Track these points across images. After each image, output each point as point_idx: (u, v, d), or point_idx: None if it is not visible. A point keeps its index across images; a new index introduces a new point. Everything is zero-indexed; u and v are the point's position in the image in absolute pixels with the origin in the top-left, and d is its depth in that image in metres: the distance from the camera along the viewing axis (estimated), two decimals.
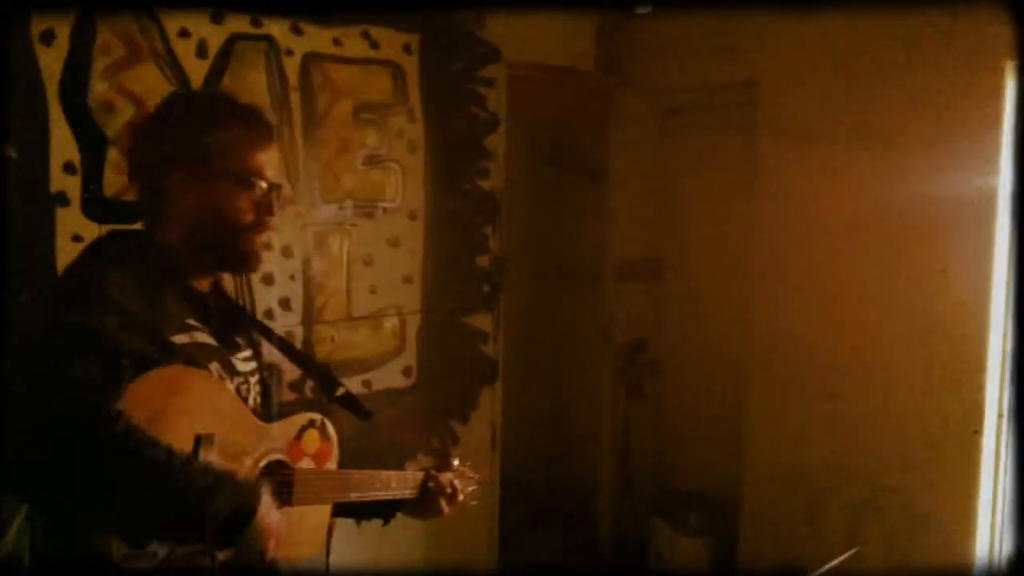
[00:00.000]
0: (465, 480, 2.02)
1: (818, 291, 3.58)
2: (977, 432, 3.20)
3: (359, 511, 1.89)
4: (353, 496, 1.77)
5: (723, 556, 3.88)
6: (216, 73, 2.76)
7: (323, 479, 1.71)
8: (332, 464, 1.74)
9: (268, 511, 1.43)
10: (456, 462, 2.02)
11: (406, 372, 3.26)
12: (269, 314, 2.90)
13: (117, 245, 1.60)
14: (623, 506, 4.30)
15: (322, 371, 1.95)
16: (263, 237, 1.63)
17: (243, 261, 1.64)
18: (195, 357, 1.53)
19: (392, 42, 3.18)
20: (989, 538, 3.31)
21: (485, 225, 3.48)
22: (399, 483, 1.88)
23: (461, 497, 1.97)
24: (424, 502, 1.92)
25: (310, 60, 2.99)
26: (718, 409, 4.06)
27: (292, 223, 2.95)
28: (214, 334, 1.61)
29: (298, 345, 2.95)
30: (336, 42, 3.05)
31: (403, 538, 3.25)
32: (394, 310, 3.22)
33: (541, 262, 4.84)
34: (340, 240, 3.07)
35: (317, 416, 1.73)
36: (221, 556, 1.41)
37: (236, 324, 1.71)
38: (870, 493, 3.45)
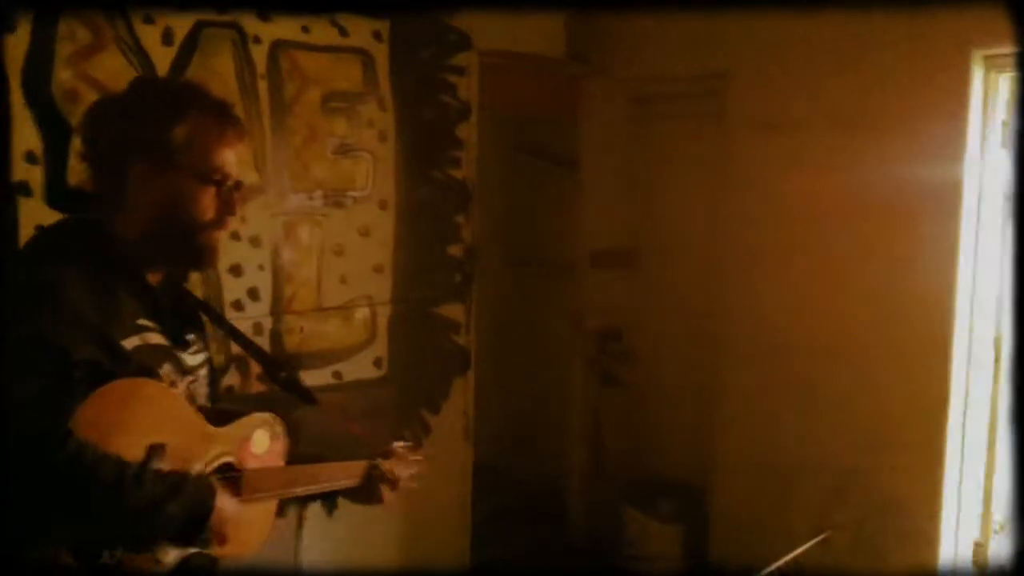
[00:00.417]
0: (405, 464, 2.02)
1: (789, 279, 3.60)
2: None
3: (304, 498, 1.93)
4: (299, 491, 1.79)
5: (694, 543, 3.90)
6: (182, 61, 2.73)
7: (270, 477, 1.72)
8: (281, 462, 1.76)
9: (223, 503, 1.49)
10: (398, 444, 2.04)
11: (377, 363, 3.25)
12: (238, 305, 2.87)
13: (68, 236, 1.57)
14: (596, 494, 4.31)
15: (265, 356, 1.97)
16: (222, 234, 1.61)
17: (200, 258, 1.62)
18: (146, 362, 1.52)
19: (361, 29, 3.15)
20: (955, 521, 3.36)
21: (457, 214, 3.47)
22: (343, 473, 1.89)
23: (401, 483, 1.99)
24: (367, 490, 1.94)
25: (278, 48, 2.97)
26: (691, 397, 4.08)
27: (261, 213, 2.93)
28: (165, 332, 1.59)
29: (266, 336, 2.94)
30: (304, 29, 3.02)
31: (376, 530, 3.25)
32: (365, 300, 3.20)
33: (514, 251, 4.83)
34: (310, 230, 3.05)
35: (268, 416, 1.73)
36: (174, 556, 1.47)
37: (187, 318, 1.70)
38: (839, 479, 3.48)
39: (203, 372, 1.69)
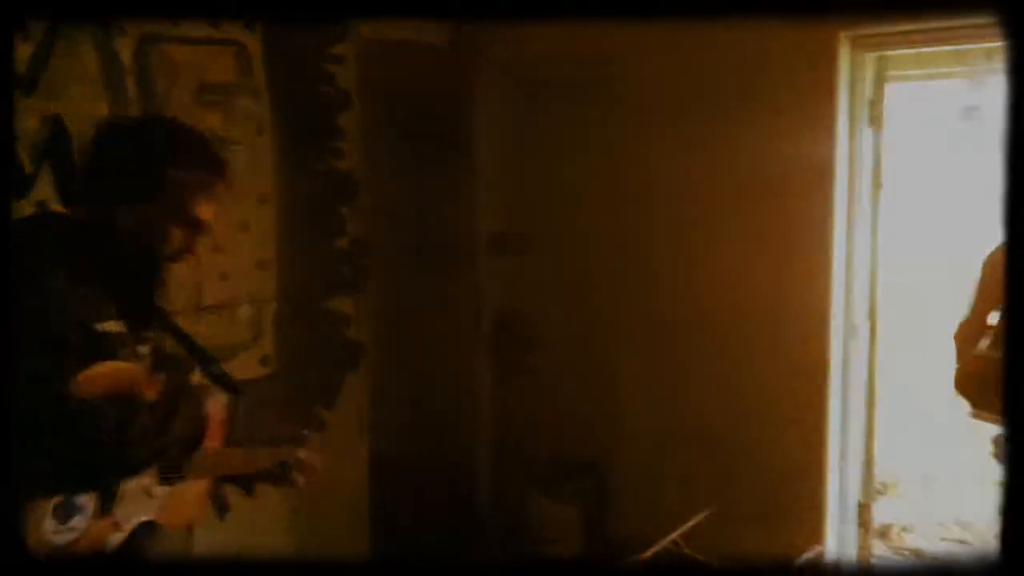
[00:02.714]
0: (318, 453, 2.15)
1: (679, 259, 3.67)
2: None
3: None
4: (226, 471, 2.00)
5: (597, 522, 3.96)
6: (41, 58, 2.60)
7: (212, 457, 1.91)
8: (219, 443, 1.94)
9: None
10: (305, 432, 2.20)
11: (264, 361, 3.19)
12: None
13: (49, 229, 1.75)
14: (501, 480, 4.33)
15: (205, 353, 2.10)
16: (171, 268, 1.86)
17: (150, 286, 1.83)
18: (112, 347, 1.70)
19: (234, 20, 3.07)
20: (839, 485, 3.49)
21: (342, 205, 3.43)
22: (262, 459, 2.06)
23: (316, 472, 2.13)
24: (281, 474, 2.08)
25: (146, 41, 2.86)
26: (592, 378, 4.12)
27: None
28: (127, 325, 1.75)
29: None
30: (173, 22, 2.92)
31: (269, 529, 3.20)
32: (248, 297, 3.14)
33: (408, 240, 4.78)
34: None
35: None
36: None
37: (141, 315, 1.84)
38: (731, 451, 3.57)
39: (148, 363, 1.87)
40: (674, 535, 3.27)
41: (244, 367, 3.13)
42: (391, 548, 3.82)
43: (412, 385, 4.73)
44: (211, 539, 3.03)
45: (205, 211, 1.77)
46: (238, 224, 3.11)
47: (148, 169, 1.72)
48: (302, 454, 2.08)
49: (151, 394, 1.76)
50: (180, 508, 1.84)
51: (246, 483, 2.09)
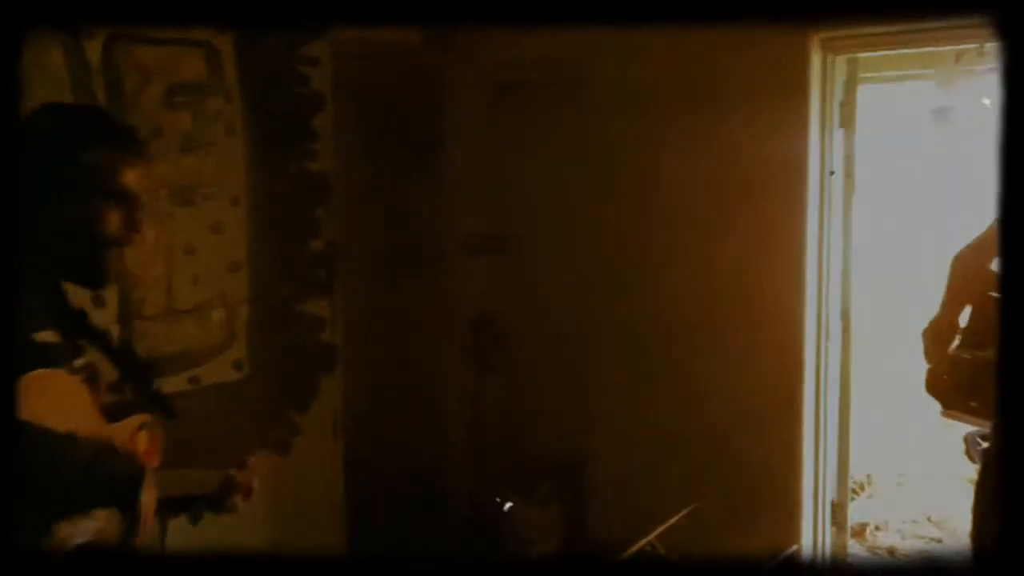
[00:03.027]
0: (258, 474, 2.06)
1: (653, 259, 3.67)
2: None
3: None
4: (163, 494, 1.81)
5: (573, 523, 3.96)
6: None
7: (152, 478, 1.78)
8: (156, 464, 1.81)
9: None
10: (254, 457, 2.07)
11: (237, 365, 3.16)
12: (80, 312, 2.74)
13: None
14: (476, 481, 4.31)
15: (139, 369, 1.97)
16: (121, 252, 1.73)
17: (99, 273, 1.72)
18: (49, 358, 1.61)
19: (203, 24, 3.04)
20: (814, 485, 3.50)
21: (316, 207, 3.40)
22: (196, 480, 1.97)
23: (255, 488, 2.05)
24: (220, 499, 1.99)
25: (114, 41, 2.83)
26: (566, 379, 4.12)
27: None
28: (62, 336, 1.67)
29: (115, 343, 2.82)
30: None
31: (245, 533, 3.17)
32: (220, 300, 3.11)
33: (381, 242, 4.77)
34: (156, 229, 2.93)
35: (148, 417, 1.80)
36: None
37: (75, 327, 1.76)
38: (706, 449, 3.58)
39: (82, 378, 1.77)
40: (651, 536, 3.27)
41: (217, 371, 3.10)
42: (367, 549, 3.79)
43: (387, 387, 4.71)
44: (185, 540, 3.00)
45: (129, 181, 1.68)
46: (210, 226, 3.08)
47: (66, 151, 1.65)
48: (243, 477, 2.00)
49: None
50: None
51: (185, 506, 2.04)
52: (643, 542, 3.29)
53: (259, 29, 3.16)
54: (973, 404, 2.22)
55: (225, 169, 3.11)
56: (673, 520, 3.38)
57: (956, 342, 2.32)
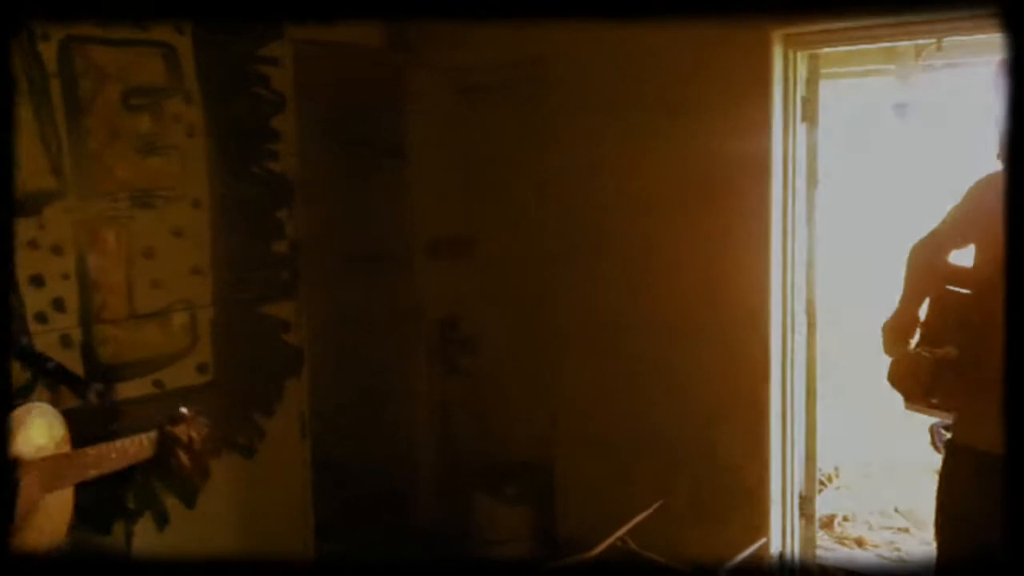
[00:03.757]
0: (196, 427, 2.05)
1: (618, 258, 3.68)
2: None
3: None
4: (93, 473, 1.83)
5: (542, 522, 3.96)
6: None
7: (62, 464, 1.78)
8: (67, 449, 1.82)
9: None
10: (184, 410, 2.06)
11: (201, 368, 3.13)
12: (41, 317, 2.70)
13: None
14: (445, 483, 4.30)
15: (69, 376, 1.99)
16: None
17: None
18: None
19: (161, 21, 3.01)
20: (782, 479, 3.52)
21: (279, 209, 3.37)
22: (134, 447, 1.92)
23: (199, 445, 2.03)
24: (164, 458, 1.98)
25: (70, 43, 2.79)
26: (533, 380, 4.12)
27: (61, 218, 2.76)
28: None
29: (77, 348, 2.79)
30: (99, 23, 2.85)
31: (212, 538, 3.14)
32: (183, 304, 3.07)
33: (347, 244, 4.74)
34: (116, 233, 2.89)
35: (44, 406, 1.81)
36: None
37: None
38: (674, 445, 3.59)
39: None
40: (620, 532, 3.28)
41: (181, 375, 3.07)
42: (335, 552, 3.77)
43: (354, 389, 4.68)
44: (153, 543, 2.98)
45: None
46: (171, 229, 3.04)
47: None
48: (181, 430, 1.99)
49: None
50: (37, 525, 1.72)
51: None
52: (613, 538, 3.29)
53: (220, 26, 3.15)
54: (934, 401, 2.24)
55: (186, 171, 3.07)
56: (642, 516, 3.39)
57: (916, 337, 2.33)
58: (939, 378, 2.16)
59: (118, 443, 1.88)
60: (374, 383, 4.71)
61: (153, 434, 1.96)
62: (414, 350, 4.27)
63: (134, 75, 2.93)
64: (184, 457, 1.97)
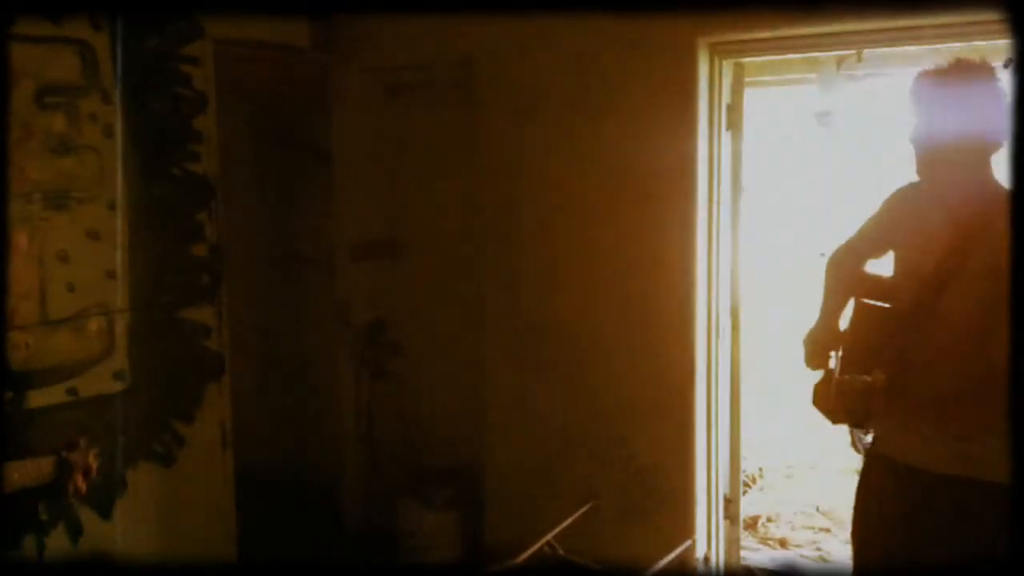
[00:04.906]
0: (90, 456, 2.10)
1: (546, 261, 3.68)
2: None
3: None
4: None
5: (470, 528, 3.94)
6: None
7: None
8: None
9: None
10: (82, 442, 2.11)
11: (118, 375, 3.03)
12: None
13: None
14: (371, 489, 4.25)
15: None
16: None
17: None
18: None
19: (77, 17, 2.91)
20: (707, 480, 3.57)
21: (199, 211, 3.28)
22: (35, 470, 1.96)
23: (94, 473, 2.09)
24: (62, 485, 2.02)
25: None
26: (460, 384, 4.10)
27: None
28: None
29: None
30: None
31: (131, 543, 3.06)
32: (99, 309, 2.97)
33: (272, 247, 4.67)
34: (29, 236, 2.78)
35: None
36: None
37: None
38: (601, 448, 3.61)
39: None
40: (547, 537, 3.28)
41: (97, 382, 2.97)
42: (260, 559, 3.70)
43: (279, 395, 4.61)
44: (72, 549, 2.89)
45: None
46: (86, 232, 2.94)
47: None
48: (78, 456, 2.03)
49: None
50: None
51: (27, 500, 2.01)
52: (540, 543, 3.30)
53: (139, 23, 3.06)
54: (856, 424, 2.24)
55: (103, 172, 2.97)
56: (569, 521, 3.40)
57: (837, 354, 2.32)
58: (867, 403, 2.13)
59: (19, 464, 1.90)
60: (299, 388, 4.64)
61: (51, 460, 1.99)
62: (339, 354, 4.21)
63: (48, 73, 2.83)
64: (80, 484, 2.02)
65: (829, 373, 2.23)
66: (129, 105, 3.04)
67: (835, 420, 2.23)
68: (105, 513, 3.01)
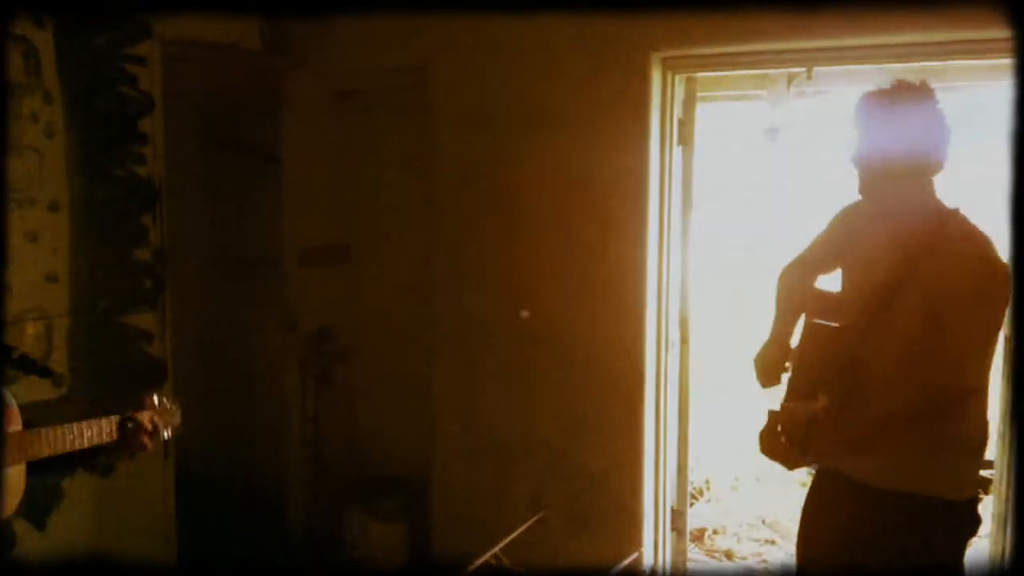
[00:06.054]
0: (166, 415, 2.07)
1: (495, 270, 3.66)
2: None
3: (61, 466, 1.92)
4: (47, 452, 1.81)
5: (418, 537, 3.90)
6: None
7: (20, 440, 1.76)
8: (17, 427, 1.79)
9: None
10: (155, 399, 2.06)
11: (56, 381, 2.95)
12: None
13: None
14: (316, 497, 4.20)
15: None
16: None
17: None
18: None
19: (19, 15, 2.83)
20: (654, 491, 3.58)
21: (143, 214, 3.22)
22: (94, 430, 1.91)
23: (166, 433, 2.06)
24: (125, 442, 1.97)
25: None
26: (409, 392, 4.06)
27: None
28: None
29: None
30: None
31: (66, 549, 2.98)
32: (37, 313, 2.89)
33: (217, 251, 4.59)
34: None
35: None
36: None
37: None
38: (550, 459, 3.60)
39: None
40: (495, 549, 3.27)
41: (34, 388, 2.89)
42: (201, 566, 3.62)
43: (223, 402, 4.52)
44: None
45: None
46: (26, 234, 2.86)
47: None
48: (147, 416, 2.00)
49: None
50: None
51: (95, 456, 1.96)
52: (488, 555, 3.28)
53: (83, 22, 2.99)
54: (809, 458, 2.18)
55: (44, 173, 2.90)
56: (517, 532, 3.39)
57: (786, 376, 2.32)
58: (813, 431, 2.09)
59: (77, 425, 1.87)
60: (244, 395, 4.57)
61: (115, 418, 1.96)
62: (286, 361, 4.15)
63: None
64: (147, 442, 1.98)
65: (771, 415, 2.19)
66: (72, 105, 2.97)
67: (790, 463, 2.18)
68: (40, 524, 2.92)
